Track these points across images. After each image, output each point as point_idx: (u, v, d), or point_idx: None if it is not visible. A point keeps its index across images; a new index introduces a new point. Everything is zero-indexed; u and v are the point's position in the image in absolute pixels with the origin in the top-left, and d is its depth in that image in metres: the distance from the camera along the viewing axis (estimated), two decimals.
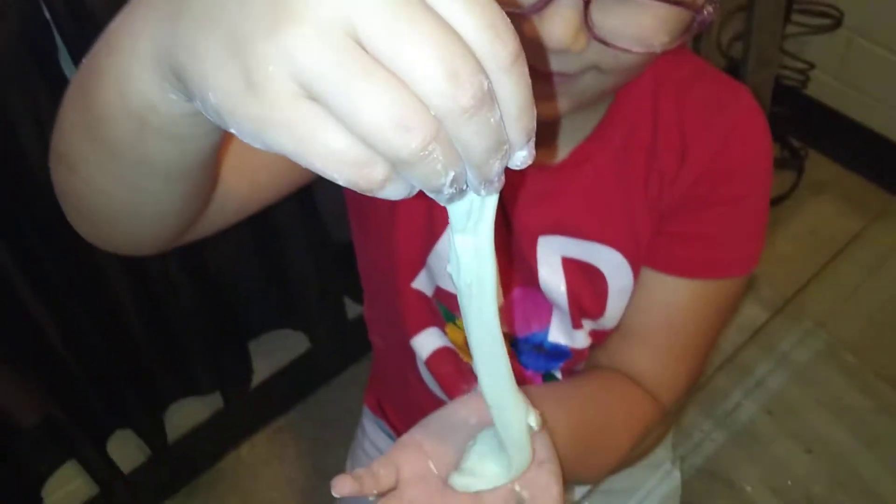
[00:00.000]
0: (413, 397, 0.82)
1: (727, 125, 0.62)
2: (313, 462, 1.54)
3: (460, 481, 0.48)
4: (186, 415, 1.46)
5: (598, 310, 0.68)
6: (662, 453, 0.89)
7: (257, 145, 0.27)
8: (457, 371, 0.75)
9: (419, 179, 0.27)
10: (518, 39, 0.27)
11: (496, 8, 0.26)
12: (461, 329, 0.71)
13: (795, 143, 1.95)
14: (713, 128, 0.62)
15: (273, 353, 1.51)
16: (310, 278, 1.29)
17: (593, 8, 0.44)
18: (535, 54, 0.48)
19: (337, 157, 0.26)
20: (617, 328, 0.69)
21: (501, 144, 0.27)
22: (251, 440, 1.57)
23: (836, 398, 1.01)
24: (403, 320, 0.75)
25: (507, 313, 0.70)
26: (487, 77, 0.26)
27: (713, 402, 0.95)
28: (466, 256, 0.34)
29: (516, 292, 0.69)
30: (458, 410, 0.53)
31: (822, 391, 1.01)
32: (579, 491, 0.83)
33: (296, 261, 1.27)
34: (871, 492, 0.97)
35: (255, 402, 1.52)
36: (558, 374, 0.75)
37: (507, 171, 0.53)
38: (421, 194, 0.29)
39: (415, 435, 0.52)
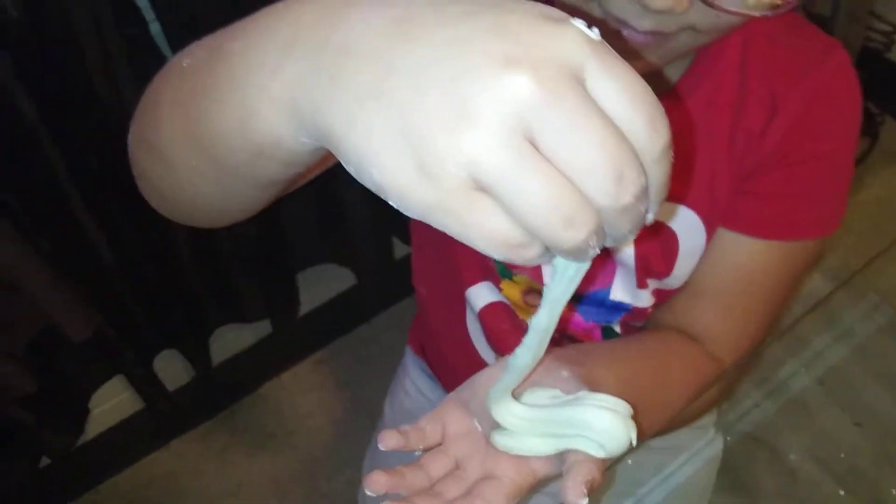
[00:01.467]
0: (457, 350, 0.81)
1: (819, 81, 0.59)
2: (351, 395, 1.56)
3: (501, 441, 0.47)
4: (232, 340, 1.49)
5: (665, 270, 0.66)
6: (708, 417, 0.88)
7: (412, 216, 0.28)
8: (513, 327, 0.74)
9: (570, 256, 0.28)
10: (669, 126, 0.28)
11: (653, 99, 0.27)
12: (518, 284, 0.70)
13: (873, 109, 1.86)
14: (804, 83, 0.59)
15: (320, 286, 1.52)
16: (360, 216, 1.29)
17: None
18: (633, 12, 0.46)
19: (500, 241, 0.27)
20: (685, 286, 0.68)
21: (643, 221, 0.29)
22: (293, 369, 1.59)
23: (892, 373, 0.97)
24: (458, 271, 0.74)
25: None
26: (644, 172, 0.27)
27: (766, 372, 0.92)
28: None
29: None
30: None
31: (879, 365, 0.98)
32: None
33: (348, 197, 1.26)
34: None
35: (299, 333, 1.54)
36: (617, 328, 0.73)
37: None
38: None
39: (462, 393, 0.51)
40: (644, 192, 0.28)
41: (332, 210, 1.30)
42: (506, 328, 0.74)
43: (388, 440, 0.46)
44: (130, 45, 0.93)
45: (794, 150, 0.60)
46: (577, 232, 0.27)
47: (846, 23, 1.03)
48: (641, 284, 0.68)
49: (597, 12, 0.49)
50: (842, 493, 0.91)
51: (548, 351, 0.51)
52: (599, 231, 0.27)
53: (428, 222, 0.27)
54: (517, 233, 0.27)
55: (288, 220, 1.31)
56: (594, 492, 0.42)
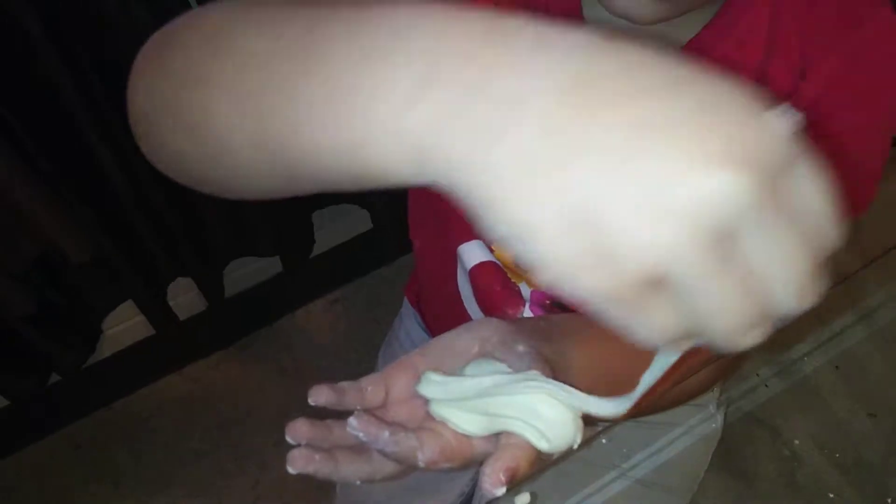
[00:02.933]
0: (446, 306, 0.79)
1: (859, 43, 0.53)
2: (363, 336, 1.56)
3: (435, 408, 0.42)
4: (247, 274, 1.49)
5: None
6: (708, 393, 0.84)
7: (565, 293, 0.25)
8: (503, 289, 0.71)
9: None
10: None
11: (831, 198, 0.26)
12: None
13: None
14: (842, 45, 0.53)
15: (336, 226, 1.50)
16: None
17: None
18: None
19: (664, 335, 0.25)
20: None
21: None
22: (307, 307, 1.60)
23: None
24: (449, 226, 0.71)
25: None
26: None
27: (777, 348, 0.88)
28: None
29: None
30: (461, 336, 0.47)
31: None
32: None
33: None
34: None
35: (313, 272, 1.53)
36: None
37: None
38: None
39: (412, 357, 0.48)
40: None
41: None
42: (497, 289, 0.71)
43: (317, 395, 0.43)
44: None
45: (821, 120, 0.54)
46: (754, 337, 0.26)
47: None
48: None
49: None
50: (845, 485, 0.87)
51: (511, 321, 0.48)
52: None
53: (583, 303, 0.25)
54: (684, 328, 0.25)
55: None
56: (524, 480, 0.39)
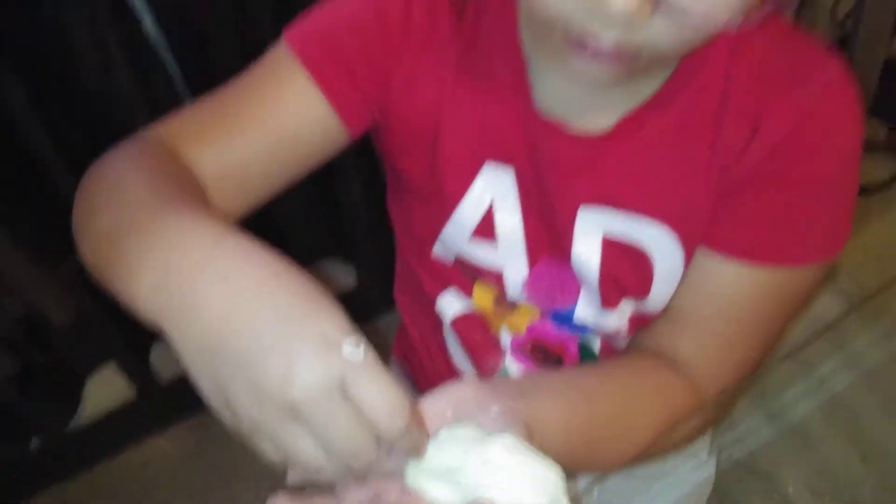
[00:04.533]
0: (434, 361, 0.79)
1: (811, 97, 0.54)
2: None
3: (414, 482, 0.41)
4: None
5: (641, 291, 0.62)
6: (699, 441, 0.84)
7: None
8: (484, 339, 0.71)
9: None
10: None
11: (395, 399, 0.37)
12: (489, 291, 0.68)
13: None
14: (794, 98, 0.54)
15: (321, 283, 1.50)
16: (360, 211, 1.27)
17: None
18: (596, 23, 0.45)
19: (294, 456, 0.38)
20: (665, 310, 0.63)
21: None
22: None
23: None
24: (421, 281, 0.72)
25: (530, 287, 0.66)
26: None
27: (768, 395, 0.89)
28: None
29: (542, 265, 0.64)
30: (435, 401, 0.46)
31: (890, 397, 0.93)
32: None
33: (347, 192, 1.24)
34: None
35: None
36: (595, 348, 0.70)
37: (546, 138, 0.59)
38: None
39: None
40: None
41: (330, 203, 1.29)
42: (478, 339, 0.71)
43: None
44: (124, 38, 0.92)
45: (777, 171, 0.55)
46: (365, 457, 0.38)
47: (867, 42, 0.99)
48: (608, 304, 0.64)
49: (560, 31, 0.47)
50: None
51: (486, 382, 0.47)
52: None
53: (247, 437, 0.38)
54: (313, 452, 0.37)
55: (288, 214, 1.29)
56: None
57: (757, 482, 0.89)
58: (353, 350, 0.36)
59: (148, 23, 0.94)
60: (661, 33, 0.45)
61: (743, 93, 0.55)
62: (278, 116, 0.57)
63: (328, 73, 0.57)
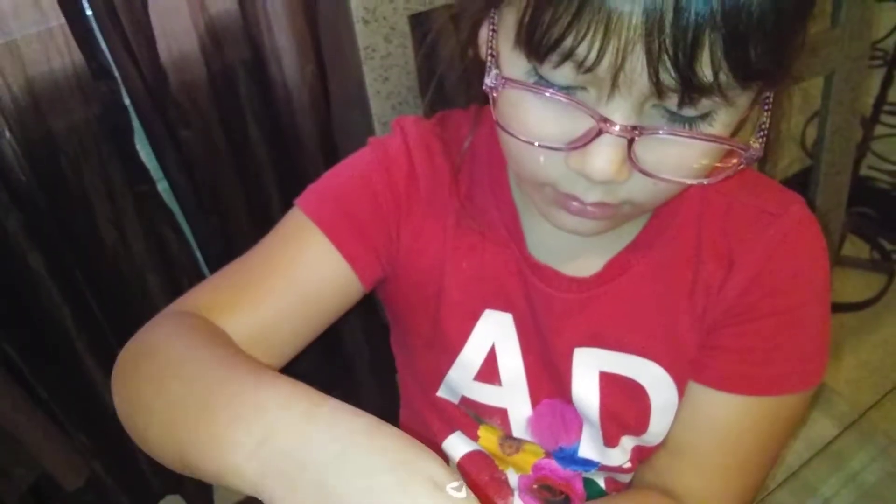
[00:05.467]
0: None
1: (776, 237, 0.59)
2: None
3: None
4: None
5: (640, 426, 0.65)
6: None
7: None
8: (491, 479, 0.73)
9: None
10: None
11: None
12: (495, 432, 0.70)
13: (886, 246, 1.86)
14: (761, 239, 0.59)
15: None
16: (362, 355, 1.30)
17: (636, 143, 0.45)
18: (580, 187, 0.49)
19: None
20: (663, 444, 0.66)
21: None
22: None
23: None
24: (428, 426, 0.74)
25: (534, 425, 0.68)
26: None
27: None
28: None
29: (544, 405, 0.67)
30: None
31: None
32: None
33: (349, 335, 1.27)
34: None
35: None
36: (601, 482, 0.71)
37: (540, 284, 0.63)
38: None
39: None
40: None
41: (332, 347, 1.31)
42: (485, 479, 0.72)
43: None
44: (138, 200, 0.98)
45: (754, 305, 0.60)
46: None
47: (830, 171, 1.06)
48: (611, 443, 0.66)
49: (548, 190, 0.52)
50: None
51: None
52: None
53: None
54: None
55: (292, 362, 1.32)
56: None
57: None
58: (457, 491, 0.38)
59: (162, 185, 1.01)
60: (639, 190, 0.49)
61: (714, 236, 0.60)
62: (302, 276, 0.61)
63: (342, 233, 0.61)
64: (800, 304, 0.60)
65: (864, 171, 1.81)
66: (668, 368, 0.62)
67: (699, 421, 0.63)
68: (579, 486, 0.72)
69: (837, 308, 1.74)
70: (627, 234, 0.62)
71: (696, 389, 0.62)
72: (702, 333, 0.62)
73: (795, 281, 0.60)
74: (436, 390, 0.70)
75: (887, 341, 1.72)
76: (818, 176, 1.06)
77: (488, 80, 0.48)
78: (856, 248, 1.89)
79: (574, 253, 0.62)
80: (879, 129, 1.74)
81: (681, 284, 0.61)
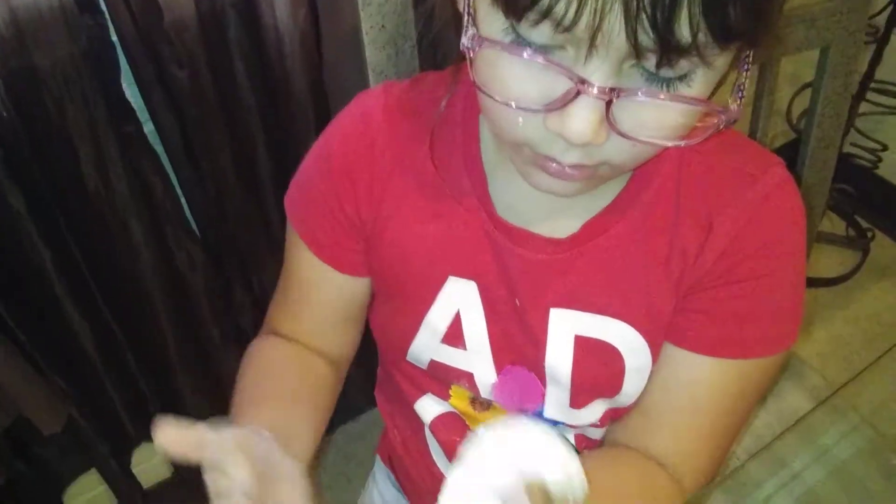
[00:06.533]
0: (417, 463, 0.80)
1: (756, 199, 0.59)
2: (335, 492, 1.53)
3: None
4: None
5: (613, 389, 0.65)
6: None
7: None
8: (462, 441, 0.73)
9: None
10: None
11: None
12: (465, 393, 0.70)
13: (863, 224, 1.89)
14: (741, 201, 0.59)
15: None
16: None
17: (614, 105, 0.45)
18: (558, 149, 0.49)
19: None
20: (637, 406, 0.66)
21: None
22: None
23: (874, 501, 0.95)
24: (400, 387, 0.75)
25: (497, 391, 0.69)
26: None
27: (741, 493, 0.90)
28: None
29: (507, 372, 0.67)
30: None
31: (861, 492, 0.95)
32: None
33: None
34: None
35: None
36: (570, 437, 0.72)
37: (513, 247, 0.64)
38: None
39: None
40: None
41: None
42: (457, 440, 0.73)
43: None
44: (123, 142, 0.96)
45: (732, 269, 0.60)
46: None
47: (819, 144, 1.06)
48: (578, 405, 0.67)
49: (527, 151, 0.51)
50: None
51: None
52: None
53: None
54: None
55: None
56: None
57: None
58: None
59: (148, 127, 0.98)
60: (617, 152, 0.49)
61: (693, 198, 0.60)
62: (316, 291, 0.71)
63: (322, 243, 0.68)
64: (778, 267, 0.60)
65: (846, 148, 1.83)
66: (644, 331, 0.63)
67: (675, 383, 0.64)
68: None
69: (811, 283, 1.77)
70: (605, 195, 0.61)
71: (673, 352, 0.63)
72: (678, 298, 0.62)
73: (774, 244, 0.60)
74: (404, 355, 0.70)
75: (858, 317, 1.75)
76: (806, 150, 1.06)
77: (465, 40, 0.47)
78: (832, 224, 1.92)
79: (550, 215, 0.62)
80: (864, 107, 1.75)
81: (658, 248, 0.61)
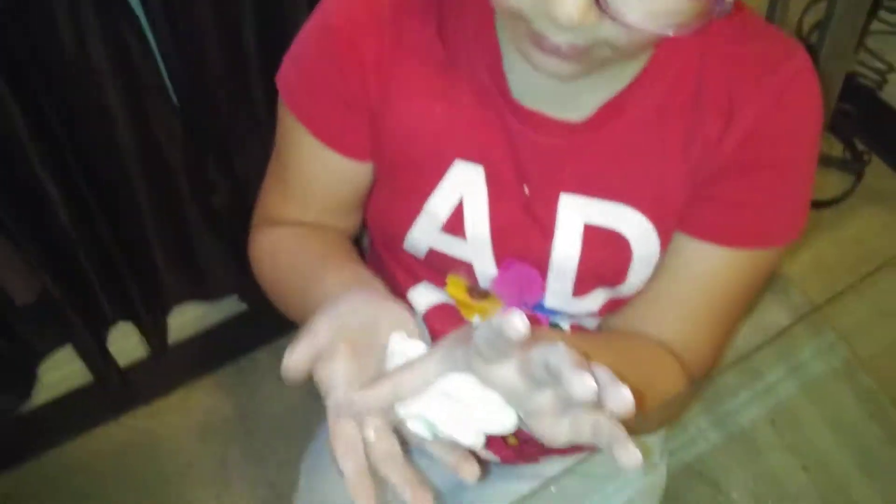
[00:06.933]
0: None
1: (779, 85, 0.58)
2: (309, 385, 1.53)
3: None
4: (192, 318, 1.47)
5: (617, 278, 0.65)
6: (653, 443, 0.86)
7: None
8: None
9: None
10: None
11: None
12: (463, 282, 0.69)
13: (860, 147, 1.86)
14: (763, 88, 0.58)
15: None
16: None
17: None
18: (549, 28, 0.47)
19: None
20: (642, 295, 0.67)
21: None
22: (253, 354, 1.58)
23: (845, 420, 0.96)
24: (394, 275, 0.74)
25: (497, 285, 0.68)
26: None
27: (716, 400, 0.91)
28: None
29: (508, 265, 0.67)
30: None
31: (832, 410, 0.97)
32: (550, 469, 0.81)
33: None
34: None
35: (261, 319, 1.52)
36: (565, 325, 0.72)
37: (526, 130, 0.63)
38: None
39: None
40: None
41: None
42: (450, 330, 0.72)
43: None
44: (102, 5, 0.91)
45: (752, 157, 0.59)
46: None
47: (832, 55, 1.02)
48: (579, 292, 0.67)
49: (522, 26, 0.49)
50: None
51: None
52: None
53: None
54: None
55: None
56: None
57: (703, 487, 0.92)
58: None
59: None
60: (613, 34, 0.47)
61: (715, 84, 0.59)
62: (319, 180, 0.69)
63: (323, 125, 0.65)
64: (795, 156, 0.61)
65: (853, 67, 1.78)
66: (654, 219, 0.63)
67: (684, 273, 0.64)
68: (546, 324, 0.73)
69: None
70: (621, 79, 0.59)
71: (685, 242, 0.63)
72: (693, 186, 0.61)
73: (793, 133, 0.60)
74: (401, 243, 0.69)
75: (844, 241, 1.75)
76: (818, 59, 1.03)
77: None
78: (829, 145, 1.89)
79: (565, 97, 0.60)
80: (876, 25, 1.69)
81: (675, 134, 0.60)
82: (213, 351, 1.54)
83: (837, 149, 1.88)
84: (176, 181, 1.16)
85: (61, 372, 1.35)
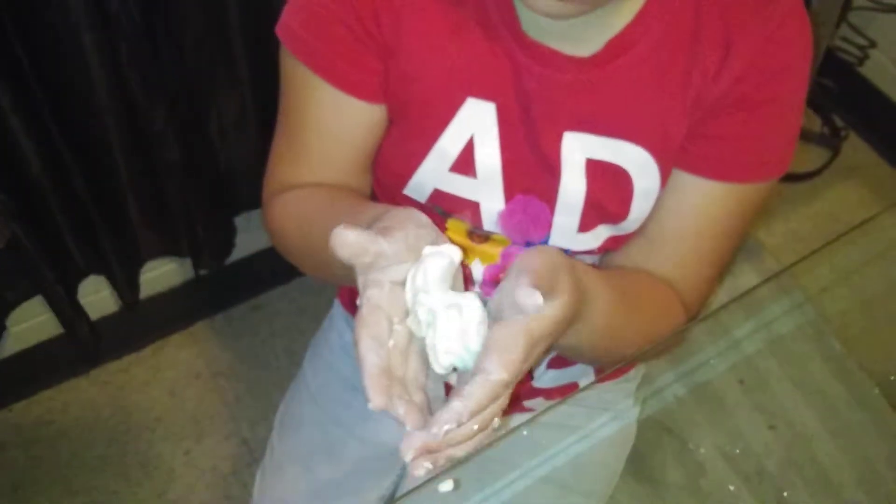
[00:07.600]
0: None
1: (774, 22, 0.59)
2: (285, 343, 1.54)
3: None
4: (166, 275, 1.45)
5: (620, 213, 0.67)
6: (623, 398, 0.87)
7: None
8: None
9: None
10: None
11: None
12: (463, 226, 0.69)
13: (838, 122, 1.87)
14: (759, 24, 0.59)
15: (260, 231, 1.48)
16: None
17: None
18: None
19: None
20: (641, 232, 0.68)
21: None
22: (227, 312, 1.57)
23: (811, 380, 0.98)
24: None
25: (504, 221, 0.68)
26: None
27: (682, 355, 0.92)
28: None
29: (517, 201, 0.67)
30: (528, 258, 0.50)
31: (798, 370, 0.98)
32: (517, 418, 0.81)
33: None
34: (825, 480, 0.95)
35: (234, 276, 1.51)
36: None
37: (536, 65, 0.63)
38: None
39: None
40: None
41: None
42: None
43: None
44: None
45: (748, 92, 0.61)
46: None
47: (814, 24, 1.02)
48: (584, 228, 0.68)
49: None
50: (746, 494, 0.92)
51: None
52: None
53: None
54: None
55: (231, 155, 1.27)
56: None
57: (670, 440, 0.93)
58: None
59: None
60: None
61: (712, 21, 0.60)
62: (333, 132, 0.67)
63: (335, 69, 0.63)
64: (789, 91, 0.62)
65: (834, 41, 1.78)
66: (654, 153, 0.64)
67: (682, 209, 0.66)
68: None
69: None
70: (627, 13, 0.60)
71: (682, 178, 0.65)
72: (691, 121, 0.63)
73: (787, 69, 0.61)
74: (403, 187, 0.69)
75: (818, 215, 1.76)
76: None
77: None
78: (808, 119, 1.90)
79: (572, 32, 0.61)
80: (858, 1, 1.70)
81: (676, 68, 0.61)
82: (186, 307, 1.53)
83: (816, 123, 1.89)
84: (151, 136, 1.14)
85: (31, 323, 1.34)
